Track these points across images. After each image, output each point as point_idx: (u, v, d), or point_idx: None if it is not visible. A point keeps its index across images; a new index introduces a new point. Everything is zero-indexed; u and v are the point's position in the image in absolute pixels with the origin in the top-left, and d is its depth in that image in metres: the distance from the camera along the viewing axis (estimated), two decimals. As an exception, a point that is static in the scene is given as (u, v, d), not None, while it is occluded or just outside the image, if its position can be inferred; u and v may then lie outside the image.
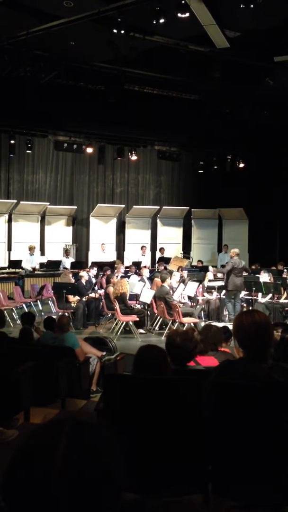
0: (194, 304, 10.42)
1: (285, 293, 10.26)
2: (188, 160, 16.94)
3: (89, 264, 13.01)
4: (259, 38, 9.93)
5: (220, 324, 6.88)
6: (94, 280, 10.84)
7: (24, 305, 10.83)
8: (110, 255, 14.86)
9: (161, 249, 15.51)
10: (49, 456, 0.76)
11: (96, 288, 10.59)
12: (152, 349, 2.68)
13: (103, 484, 0.77)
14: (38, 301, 11.17)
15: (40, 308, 11.11)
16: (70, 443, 0.78)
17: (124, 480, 0.80)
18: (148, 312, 9.90)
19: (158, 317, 9.69)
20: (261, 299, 10.34)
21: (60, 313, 9.02)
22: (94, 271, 11.17)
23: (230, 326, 4.29)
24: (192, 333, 3.28)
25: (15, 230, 14.30)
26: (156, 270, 12.99)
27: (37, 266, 13.13)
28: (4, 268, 12.82)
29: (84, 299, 10.12)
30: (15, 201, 14.16)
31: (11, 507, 0.76)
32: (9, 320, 9.23)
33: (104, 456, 0.79)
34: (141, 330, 9.48)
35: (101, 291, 10.60)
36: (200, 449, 2.38)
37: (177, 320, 8.99)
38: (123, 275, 11.27)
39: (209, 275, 11.65)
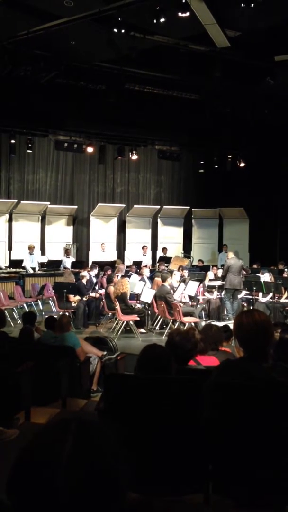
0: (195, 303, 10.42)
1: (286, 293, 10.24)
2: (189, 159, 16.94)
3: (90, 263, 13.00)
4: (260, 37, 9.92)
5: (221, 324, 6.87)
6: (94, 280, 10.84)
7: (24, 305, 10.83)
8: (110, 255, 14.86)
9: (164, 249, 15.50)
10: (55, 455, 0.76)
11: (96, 287, 10.59)
12: (157, 349, 2.67)
13: (109, 483, 0.77)
14: (38, 300, 11.17)
15: (41, 307, 11.11)
16: (76, 442, 0.78)
17: (128, 480, 0.80)
18: (149, 312, 9.90)
19: (159, 317, 9.69)
20: (261, 298, 10.33)
21: (60, 313, 9.02)
22: (95, 270, 11.17)
23: (231, 325, 4.29)
24: (192, 332, 3.29)
25: (16, 230, 14.30)
26: (157, 269, 12.99)
27: (37, 266, 13.13)
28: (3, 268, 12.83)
29: (84, 298, 10.12)
30: (16, 200, 14.16)
31: (16, 505, 0.76)
32: (10, 320, 9.23)
33: (110, 456, 0.79)
34: (142, 330, 9.48)
35: (102, 291, 10.59)
36: (201, 449, 2.38)
37: (177, 320, 8.99)
38: (124, 274, 11.27)
39: (210, 275, 11.64)
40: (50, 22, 9.36)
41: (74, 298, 10.04)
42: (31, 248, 13.28)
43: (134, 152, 15.39)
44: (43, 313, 10.58)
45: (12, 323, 9.51)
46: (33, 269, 12.93)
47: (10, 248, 14.17)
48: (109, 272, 11.44)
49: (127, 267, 12.64)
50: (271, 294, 9.92)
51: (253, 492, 2.27)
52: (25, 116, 13.43)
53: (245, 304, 10.55)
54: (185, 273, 11.72)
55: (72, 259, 14.07)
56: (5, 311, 6.78)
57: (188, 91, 13.55)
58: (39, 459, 0.77)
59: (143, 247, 15.24)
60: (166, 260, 14.37)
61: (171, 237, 16.72)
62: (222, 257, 15.34)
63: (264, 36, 9.86)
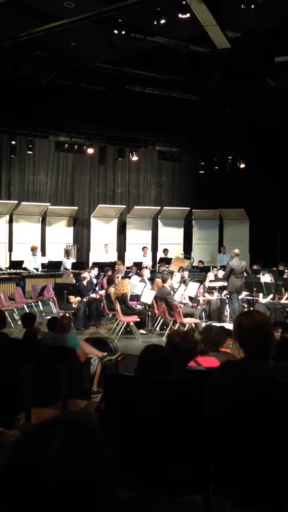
0: (195, 304, 10.42)
1: (286, 294, 10.25)
2: (189, 160, 16.95)
3: (90, 264, 13.01)
4: (260, 38, 9.93)
5: (221, 325, 6.88)
6: (95, 281, 10.84)
7: (25, 306, 10.83)
8: (111, 256, 14.86)
9: (165, 250, 15.50)
10: (43, 455, 0.76)
11: (97, 288, 10.59)
12: (157, 349, 2.66)
13: (97, 483, 0.77)
14: (39, 301, 11.17)
15: (41, 308, 11.11)
16: (64, 442, 0.78)
17: (119, 480, 0.81)
18: (149, 313, 9.90)
19: (159, 318, 9.69)
20: (262, 299, 10.33)
21: (61, 314, 9.03)
22: (95, 271, 11.17)
23: (229, 326, 4.29)
24: (191, 333, 3.28)
25: (16, 231, 14.30)
26: (157, 270, 12.99)
27: (39, 267, 13.13)
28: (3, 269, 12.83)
29: (85, 299, 10.12)
30: (16, 201, 14.16)
31: (5, 506, 0.76)
32: (10, 321, 9.23)
33: (97, 456, 0.79)
34: (142, 331, 9.48)
35: (102, 292, 10.59)
36: (201, 450, 2.38)
37: (178, 321, 8.99)
38: (124, 275, 11.27)
39: (210, 276, 11.64)
40: (50, 23, 9.38)
41: (74, 299, 10.03)
42: (33, 249, 13.29)
43: (134, 153, 15.39)
44: (43, 314, 10.58)
45: (12, 324, 9.51)
46: (36, 269, 12.94)
47: (10, 249, 14.18)
48: (109, 273, 11.44)
49: (127, 268, 12.63)
50: (271, 295, 9.92)
51: (253, 493, 2.27)
52: (26, 117, 13.44)
53: (246, 305, 10.55)
54: (186, 274, 11.72)
55: (73, 260, 14.07)
56: (6, 312, 6.78)
57: (188, 92, 13.55)
58: (27, 459, 0.77)
59: (143, 248, 15.24)
60: (167, 261, 14.37)
61: (171, 238, 16.72)
62: (221, 258, 15.35)
63: (264, 37, 9.86)
